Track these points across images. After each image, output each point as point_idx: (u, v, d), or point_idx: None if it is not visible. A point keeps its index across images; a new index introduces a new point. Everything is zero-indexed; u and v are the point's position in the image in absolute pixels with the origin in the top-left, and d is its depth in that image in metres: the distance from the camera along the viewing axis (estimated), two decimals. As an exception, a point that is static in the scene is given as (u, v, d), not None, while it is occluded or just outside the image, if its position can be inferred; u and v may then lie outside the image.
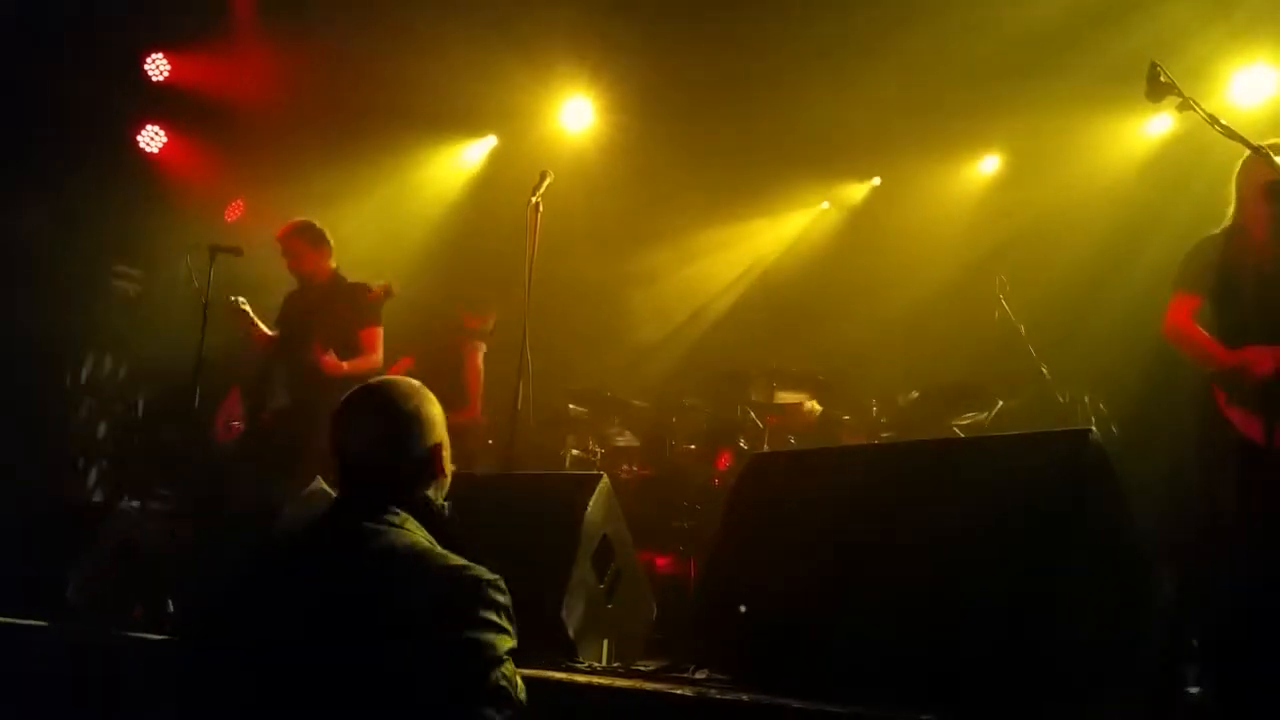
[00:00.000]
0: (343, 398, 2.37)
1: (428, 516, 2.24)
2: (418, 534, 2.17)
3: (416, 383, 2.41)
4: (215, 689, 2.11)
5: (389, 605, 2.01)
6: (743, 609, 3.49)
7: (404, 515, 2.19)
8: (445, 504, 2.36)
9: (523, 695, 2.07)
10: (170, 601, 4.88)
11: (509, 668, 2.04)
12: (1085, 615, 2.96)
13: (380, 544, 2.12)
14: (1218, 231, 4.31)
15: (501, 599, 2.06)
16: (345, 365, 5.87)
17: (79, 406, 8.35)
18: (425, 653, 1.96)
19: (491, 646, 2.01)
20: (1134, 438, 6.25)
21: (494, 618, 2.03)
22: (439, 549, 2.16)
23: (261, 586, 2.16)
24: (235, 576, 2.21)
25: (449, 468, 2.36)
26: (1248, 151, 3.98)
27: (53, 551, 5.03)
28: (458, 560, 2.10)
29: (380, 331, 6.10)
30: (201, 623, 2.22)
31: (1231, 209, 4.29)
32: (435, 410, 2.37)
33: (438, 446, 2.33)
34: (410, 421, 2.31)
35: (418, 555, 2.11)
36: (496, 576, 2.08)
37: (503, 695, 2.01)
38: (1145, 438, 6.20)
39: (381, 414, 2.31)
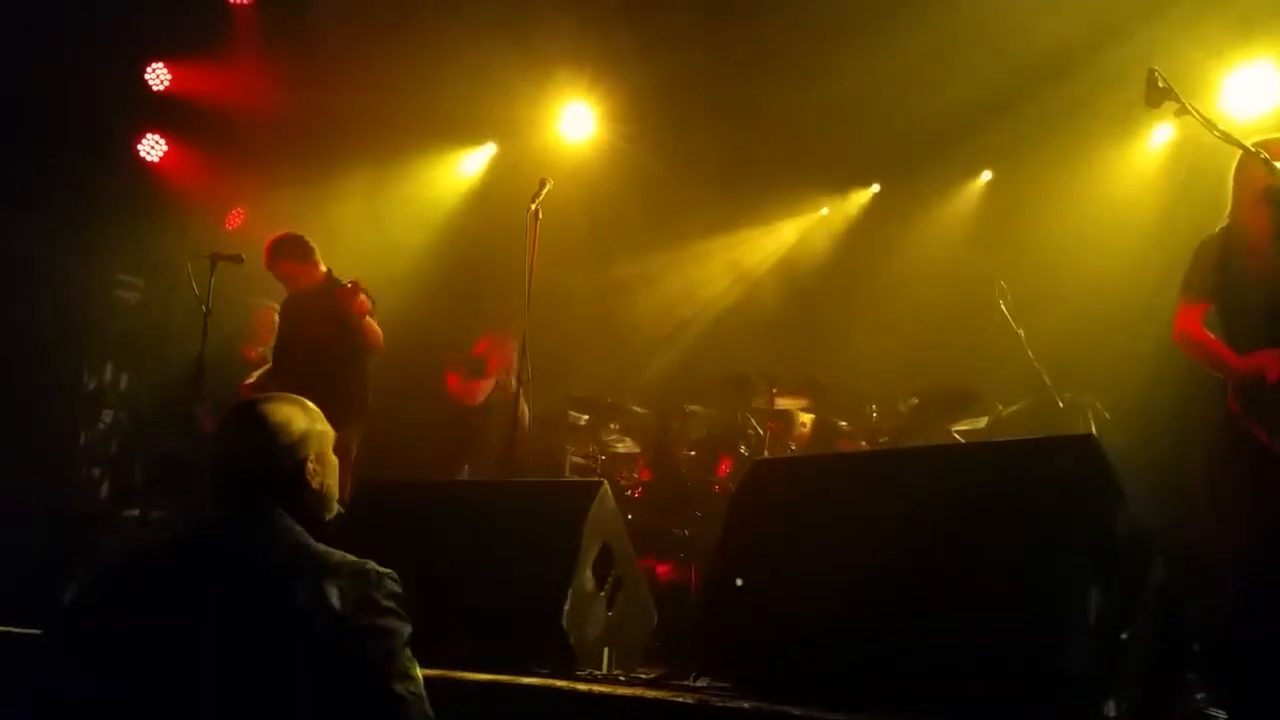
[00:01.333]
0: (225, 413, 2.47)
1: (309, 525, 2.31)
2: (307, 537, 2.26)
3: (295, 399, 2.47)
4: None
5: (297, 599, 2.09)
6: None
7: (291, 520, 2.28)
8: (337, 510, 2.45)
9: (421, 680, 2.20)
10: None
11: (409, 653, 2.18)
12: (1088, 621, 2.95)
13: (286, 543, 2.21)
14: (1217, 231, 4.29)
15: (398, 590, 2.19)
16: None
17: (80, 414, 8.35)
18: (336, 639, 2.07)
19: (397, 631, 2.15)
20: (1137, 442, 6.23)
21: (395, 605, 2.16)
22: (331, 549, 2.25)
23: (151, 589, 2.19)
24: (111, 584, 2.25)
25: (321, 483, 2.41)
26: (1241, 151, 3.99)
27: (54, 559, 5.02)
28: (352, 557, 2.22)
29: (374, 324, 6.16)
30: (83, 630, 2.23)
31: (1229, 208, 4.28)
32: (309, 426, 2.42)
33: (303, 460, 2.38)
34: (276, 435, 2.36)
35: (317, 553, 2.21)
36: (390, 570, 2.21)
37: (410, 674, 2.14)
38: (1148, 442, 6.19)
39: (250, 427, 2.37)
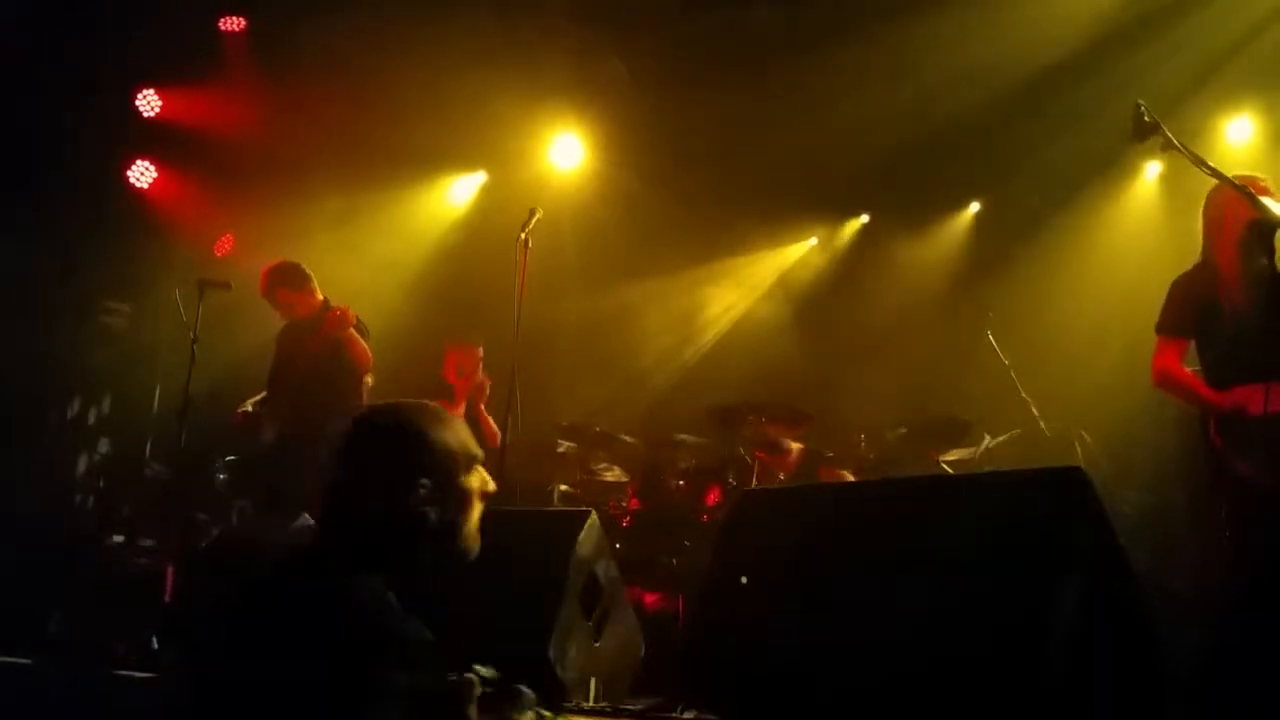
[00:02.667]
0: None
1: (420, 569, 1.89)
2: (380, 603, 1.84)
3: (433, 407, 2.00)
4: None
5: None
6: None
7: (367, 587, 1.81)
8: (467, 545, 1.94)
9: None
10: (154, 639, 4.85)
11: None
12: (1080, 652, 2.95)
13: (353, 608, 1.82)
14: (1192, 267, 4.31)
15: (401, 684, 1.79)
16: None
17: (65, 441, 8.30)
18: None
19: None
20: (1123, 471, 6.25)
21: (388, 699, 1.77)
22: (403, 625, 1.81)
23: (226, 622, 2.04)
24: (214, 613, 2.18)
25: (440, 516, 1.91)
26: (1215, 183, 4.02)
27: (40, 586, 5.00)
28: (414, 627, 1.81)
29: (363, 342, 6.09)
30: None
31: (1203, 244, 4.29)
32: (427, 443, 1.90)
33: (409, 491, 1.86)
34: (395, 454, 1.87)
35: (370, 624, 1.82)
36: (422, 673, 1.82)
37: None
38: (1134, 471, 6.21)
39: (346, 453, 1.91)
